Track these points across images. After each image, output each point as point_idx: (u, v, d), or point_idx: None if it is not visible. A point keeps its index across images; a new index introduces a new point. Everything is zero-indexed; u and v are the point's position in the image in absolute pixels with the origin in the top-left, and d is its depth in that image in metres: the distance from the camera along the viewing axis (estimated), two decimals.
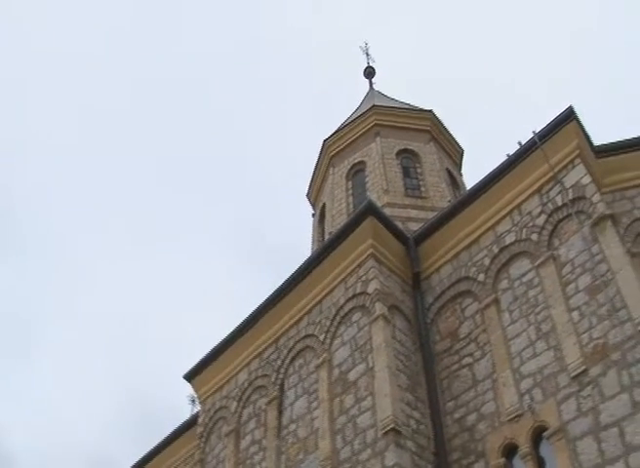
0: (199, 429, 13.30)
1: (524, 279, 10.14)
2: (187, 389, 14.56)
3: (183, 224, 65.20)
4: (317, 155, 20.83)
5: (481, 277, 10.77)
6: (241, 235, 64.39)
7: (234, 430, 12.25)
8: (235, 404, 12.66)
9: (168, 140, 62.55)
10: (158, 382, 52.51)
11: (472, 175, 20.88)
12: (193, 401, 14.84)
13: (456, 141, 20.39)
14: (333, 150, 20.06)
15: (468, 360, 10.18)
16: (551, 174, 10.63)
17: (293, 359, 12.04)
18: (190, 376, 14.11)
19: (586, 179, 10.09)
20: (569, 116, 10.74)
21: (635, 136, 11.22)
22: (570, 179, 10.33)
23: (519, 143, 11.44)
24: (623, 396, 7.85)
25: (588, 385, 8.28)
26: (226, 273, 61.29)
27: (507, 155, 11.54)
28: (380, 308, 10.61)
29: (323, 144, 20.47)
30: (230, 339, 13.46)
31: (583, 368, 8.44)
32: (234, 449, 11.96)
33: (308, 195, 21.44)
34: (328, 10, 67.03)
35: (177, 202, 65.60)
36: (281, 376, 11.96)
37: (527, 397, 8.95)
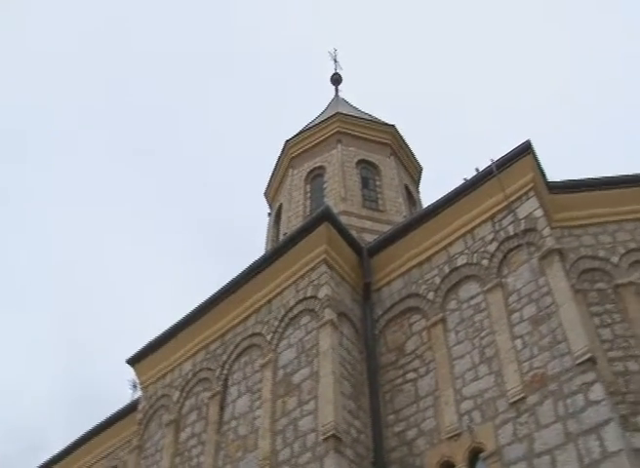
0: (139, 415, 13.08)
1: (472, 302, 10.26)
2: (130, 373, 14.26)
3: (145, 213, 64.10)
4: (278, 155, 20.70)
5: (431, 295, 10.87)
6: (203, 225, 63.71)
7: (175, 420, 12.09)
8: (178, 394, 12.49)
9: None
10: (101, 363, 51.40)
11: (429, 193, 21.09)
12: (135, 386, 14.56)
13: (415, 158, 20.46)
14: (294, 152, 19.94)
15: (412, 375, 10.26)
16: (505, 203, 10.78)
17: (238, 355, 11.91)
18: (134, 361, 13.84)
19: (538, 213, 10.26)
20: (526, 149, 10.93)
21: (587, 177, 11.55)
22: (523, 211, 10.49)
23: (477, 169, 11.56)
24: (557, 426, 8.01)
25: (525, 412, 8.43)
26: (183, 261, 60.75)
27: (465, 179, 11.66)
28: (329, 314, 10.58)
29: (285, 145, 20.33)
30: (177, 328, 13.25)
31: (522, 395, 8.58)
32: (173, 440, 11.80)
33: (266, 194, 21.26)
34: (300, 15, 66.65)
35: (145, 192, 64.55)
36: (225, 372, 11.84)
37: (466, 418, 9.06)
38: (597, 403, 7.82)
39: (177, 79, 66.56)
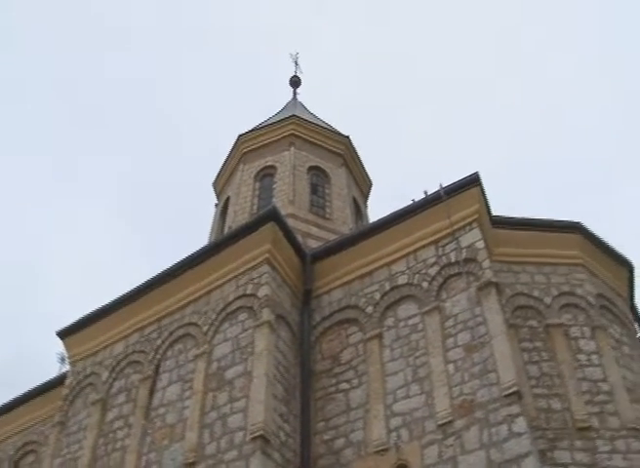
0: (65, 391, 12.49)
1: (409, 322, 10.25)
2: (59, 346, 13.66)
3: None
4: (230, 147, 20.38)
5: (369, 309, 10.81)
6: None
7: (102, 400, 11.62)
8: (107, 373, 12.03)
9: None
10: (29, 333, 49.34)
11: (376, 208, 21.14)
12: (63, 360, 13.98)
13: (366, 173, 20.45)
14: (246, 147, 19.64)
15: (345, 386, 10.17)
16: (450, 229, 10.82)
17: (173, 342, 11.52)
18: (64, 334, 13.16)
19: (480, 244, 10.36)
20: (474, 181, 11.01)
21: (530, 216, 11.78)
22: (466, 240, 10.56)
23: (425, 192, 11.60)
24: (481, 453, 8.10)
25: (452, 436, 8.49)
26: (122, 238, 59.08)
27: (413, 200, 11.69)
28: (267, 314, 10.37)
29: (237, 139, 20.00)
30: (112, 307, 12.72)
31: (450, 418, 8.64)
32: (99, 420, 11.34)
33: (214, 184, 20.87)
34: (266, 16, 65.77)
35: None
36: (158, 357, 11.43)
37: (394, 434, 9.04)
38: (519, 435, 7.95)
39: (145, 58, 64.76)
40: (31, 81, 60.20)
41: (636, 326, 11.90)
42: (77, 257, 56.83)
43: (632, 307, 12.02)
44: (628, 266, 11.99)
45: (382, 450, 8.98)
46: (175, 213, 59.64)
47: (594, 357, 9.99)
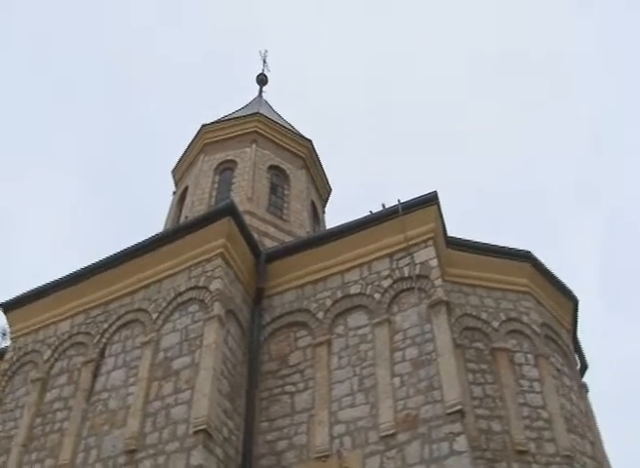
0: (4, 365, 11.94)
1: (359, 332, 10.15)
2: (2, 319, 13.11)
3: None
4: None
5: (320, 315, 10.66)
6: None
7: (42, 379, 11.16)
8: (50, 352, 11.54)
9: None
10: None
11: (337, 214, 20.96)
12: (4, 334, 13.38)
13: (327, 179, 20.30)
14: (208, 138, 19.23)
15: (291, 388, 10.01)
16: (404, 245, 10.78)
17: (120, 327, 11.12)
18: (8, 307, 12.60)
19: (434, 262, 10.33)
20: (432, 200, 10.98)
21: (484, 241, 11.81)
22: (420, 257, 10.52)
23: (383, 205, 11.55)
24: (420, 467, 8.11)
25: (394, 448, 8.43)
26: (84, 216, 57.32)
27: (370, 211, 11.63)
28: (218, 309, 10.12)
29: (200, 128, 19.59)
30: (60, 284, 12.19)
31: (393, 431, 8.58)
32: (38, 399, 10.88)
33: (174, 172, 20.38)
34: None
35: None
36: (104, 340, 11.01)
37: (337, 441, 8.93)
38: (460, 453, 7.95)
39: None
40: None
41: (576, 357, 12.18)
42: (50, 232, 54.77)
43: (574, 339, 12.27)
44: (573, 300, 12.21)
45: (324, 457, 8.86)
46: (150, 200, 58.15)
47: (536, 384, 10.13)
